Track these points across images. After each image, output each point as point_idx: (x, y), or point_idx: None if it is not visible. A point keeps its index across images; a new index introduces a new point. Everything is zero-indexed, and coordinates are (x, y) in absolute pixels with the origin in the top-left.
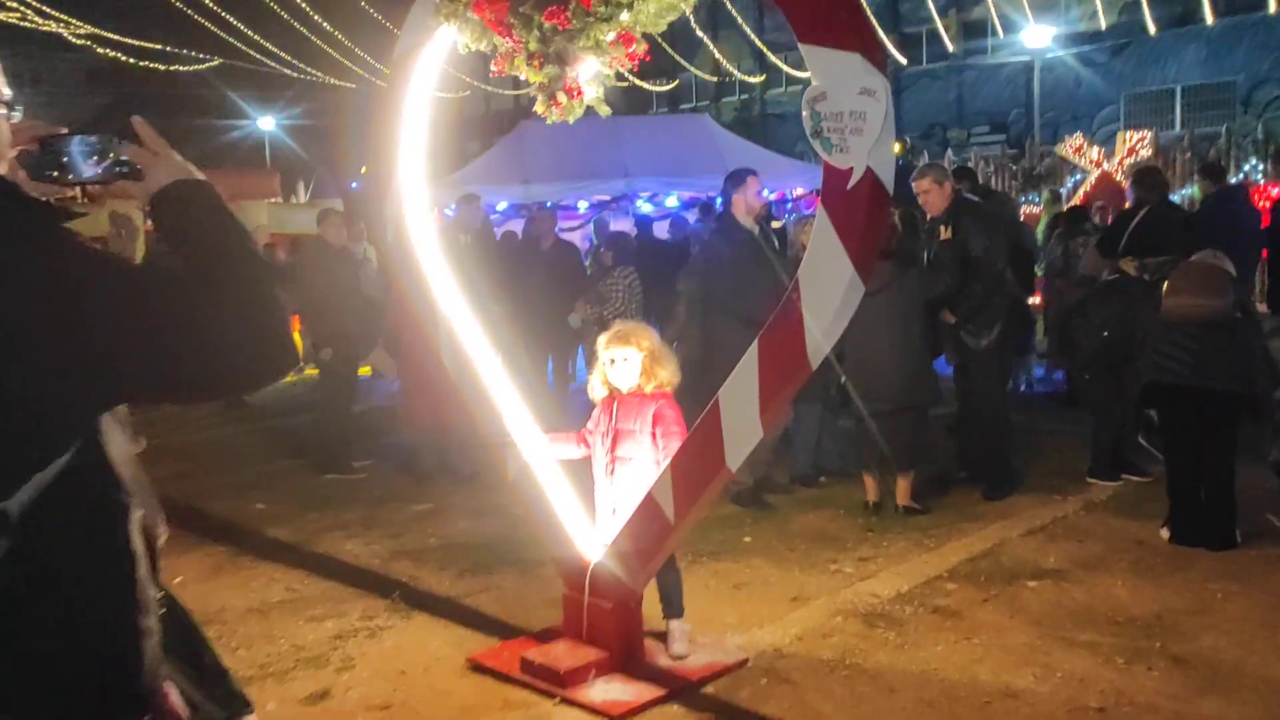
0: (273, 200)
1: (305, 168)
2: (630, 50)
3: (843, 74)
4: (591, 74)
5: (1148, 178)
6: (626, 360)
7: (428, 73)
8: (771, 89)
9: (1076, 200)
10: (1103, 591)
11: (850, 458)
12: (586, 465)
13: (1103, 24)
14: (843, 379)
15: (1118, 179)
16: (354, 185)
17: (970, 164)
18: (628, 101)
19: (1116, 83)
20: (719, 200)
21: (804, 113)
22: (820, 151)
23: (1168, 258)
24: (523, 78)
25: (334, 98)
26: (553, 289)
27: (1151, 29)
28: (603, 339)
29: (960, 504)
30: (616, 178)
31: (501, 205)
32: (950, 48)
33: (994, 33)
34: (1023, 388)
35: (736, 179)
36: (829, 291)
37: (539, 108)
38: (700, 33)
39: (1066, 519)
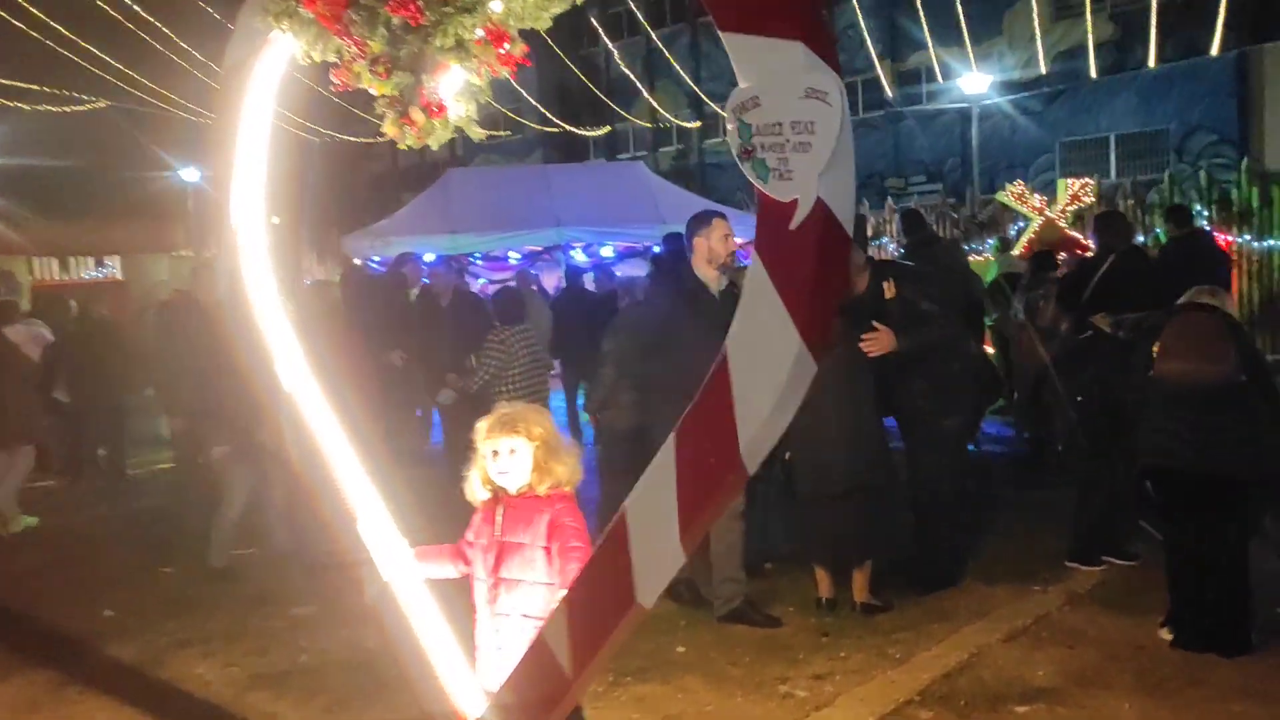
0: (179, 253)
1: None
2: (503, 51)
3: (780, 70)
4: (457, 85)
5: (1113, 223)
6: (513, 453)
7: (265, 91)
8: (709, 138)
9: (1020, 249)
10: (1109, 716)
11: (804, 544)
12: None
13: (1043, 69)
14: (785, 454)
15: (1062, 225)
16: None
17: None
18: (564, 151)
19: (1051, 131)
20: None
21: (729, 126)
22: (753, 178)
23: (1146, 313)
24: (372, 91)
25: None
26: (454, 352)
27: (1093, 73)
28: (481, 425)
29: (927, 597)
30: (547, 227)
31: (429, 257)
32: (889, 94)
33: (930, 79)
34: (971, 447)
35: (700, 220)
36: (768, 370)
37: (387, 128)
38: (637, 82)
39: (1051, 617)
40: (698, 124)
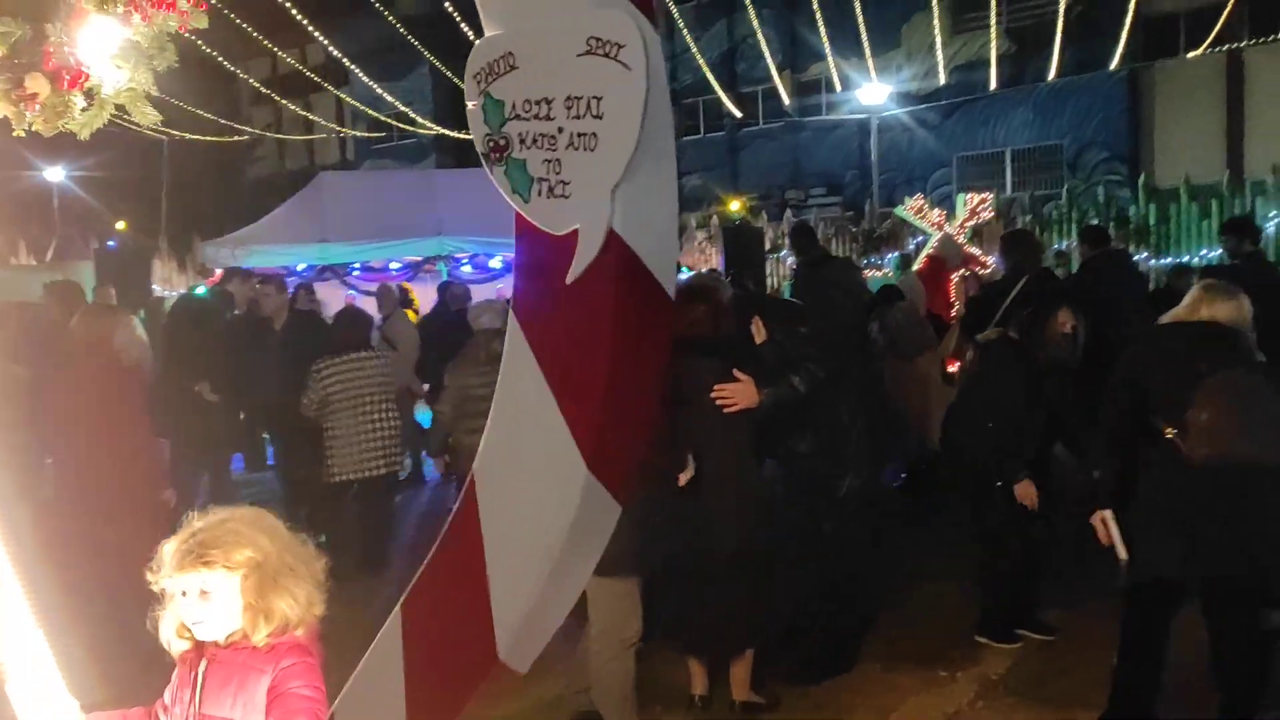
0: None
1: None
2: None
3: (551, 9)
4: (111, 43)
5: (1023, 243)
6: (204, 595)
7: None
8: None
9: (919, 264)
10: None
11: (671, 630)
12: None
13: (941, 81)
14: None
15: (961, 240)
16: (111, 245)
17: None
18: (458, 157)
19: (949, 144)
20: None
21: (468, 105)
22: (507, 194)
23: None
24: None
25: (139, 146)
26: (284, 385)
27: (993, 84)
28: (164, 551)
29: (816, 688)
30: (429, 236)
31: (300, 266)
32: (787, 102)
33: (830, 90)
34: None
35: None
36: (538, 516)
37: None
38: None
39: (961, 716)
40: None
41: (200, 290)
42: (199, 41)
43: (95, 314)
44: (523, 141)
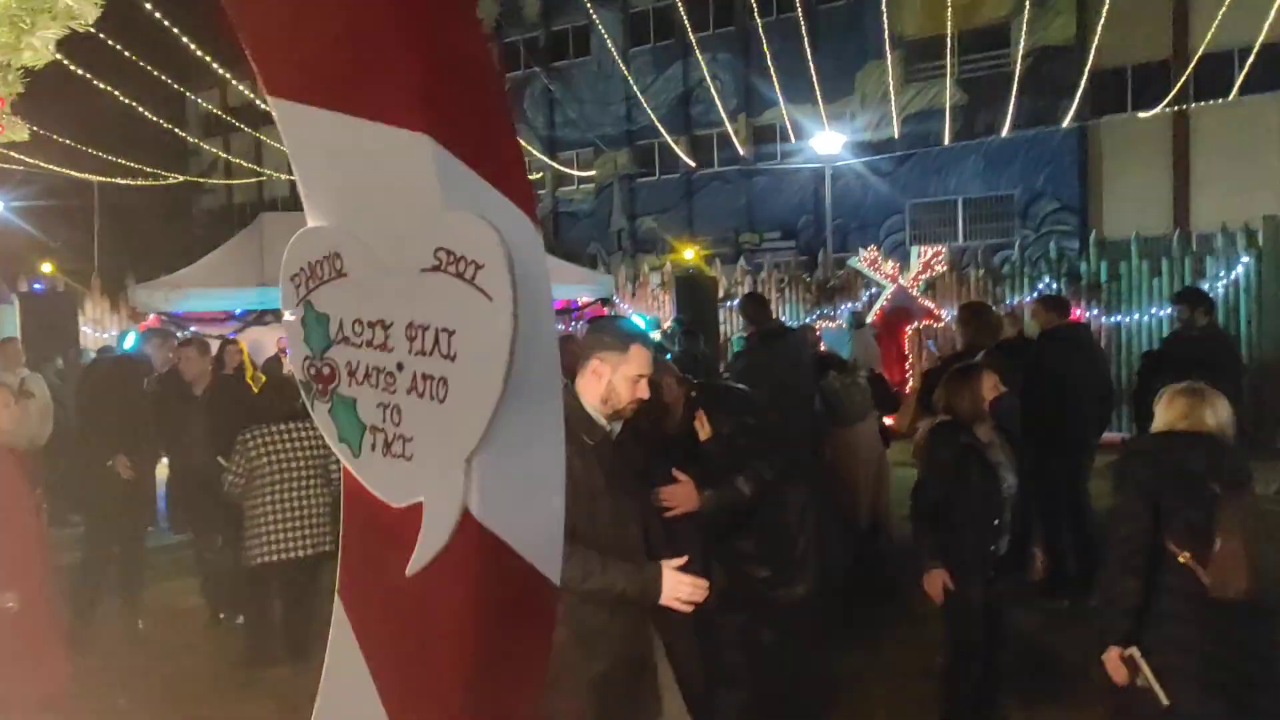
0: None
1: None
2: None
3: (387, 197)
4: None
5: (980, 317)
6: None
7: None
8: (564, 185)
9: (872, 316)
10: None
11: None
12: None
13: (895, 133)
14: None
15: (914, 293)
16: (37, 287)
17: (763, 275)
18: None
19: (902, 192)
20: None
21: (285, 315)
22: (333, 442)
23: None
24: None
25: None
26: (209, 455)
27: (947, 139)
28: None
29: None
30: None
31: (238, 310)
32: (741, 151)
33: (785, 138)
34: None
35: (612, 338)
36: None
37: None
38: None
39: None
40: (539, 174)
41: (129, 339)
42: (151, 69)
43: None
44: (352, 374)
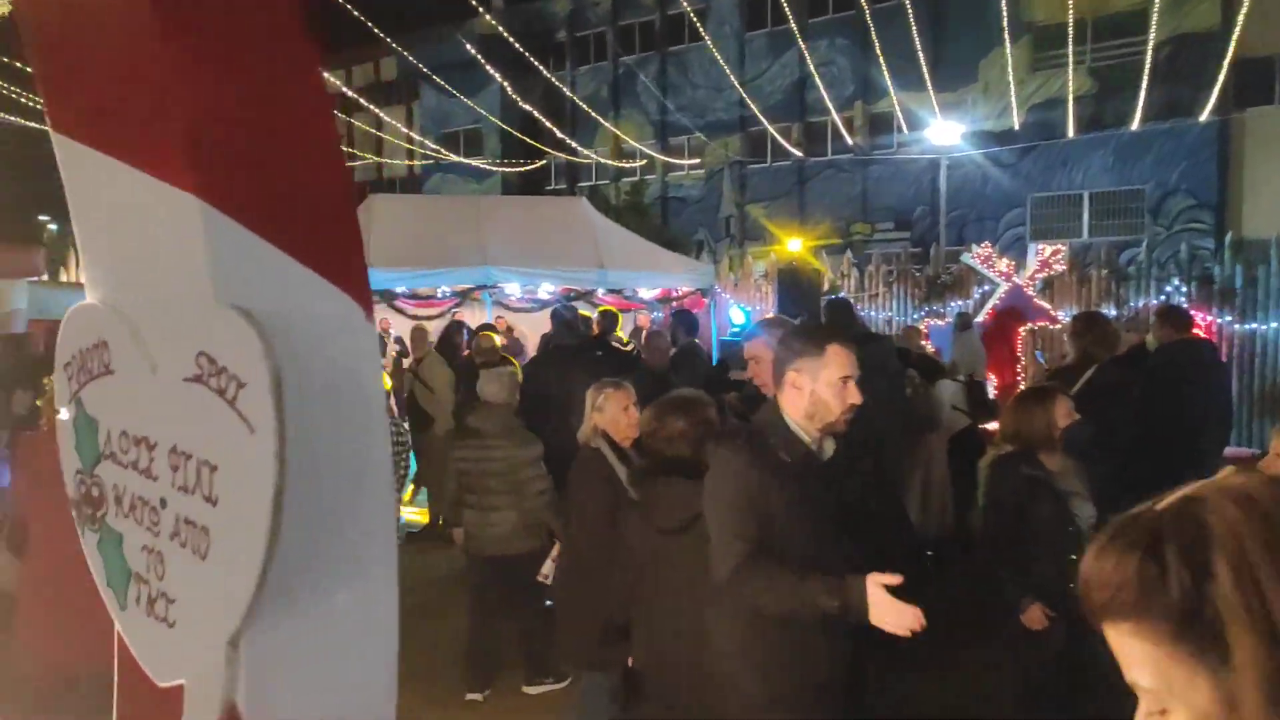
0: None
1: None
2: None
3: (159, 278)
4: None
5: (1096, 328)
6: None
7: None
8: (675, 170)
9: (986, 315)
10: None
11: None
12: None
13: (1016, 121)
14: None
15: (1030, 292)
16: None
17: (870, 268)
18: (524, 176)
19: (1024, 185)
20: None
21: (59, 413)
22: (105, 594)
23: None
24: None
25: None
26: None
27: (1071, 130)
28: None
29: None
30: (476, 264)
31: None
32: (850, 142)
33: (899, 128)
34: None
35: (804, 342)
36: None
37: None
38: (597, 115)
39: None
40: (642, 162)
41: None
42: None
43: None
44: (119, 502)
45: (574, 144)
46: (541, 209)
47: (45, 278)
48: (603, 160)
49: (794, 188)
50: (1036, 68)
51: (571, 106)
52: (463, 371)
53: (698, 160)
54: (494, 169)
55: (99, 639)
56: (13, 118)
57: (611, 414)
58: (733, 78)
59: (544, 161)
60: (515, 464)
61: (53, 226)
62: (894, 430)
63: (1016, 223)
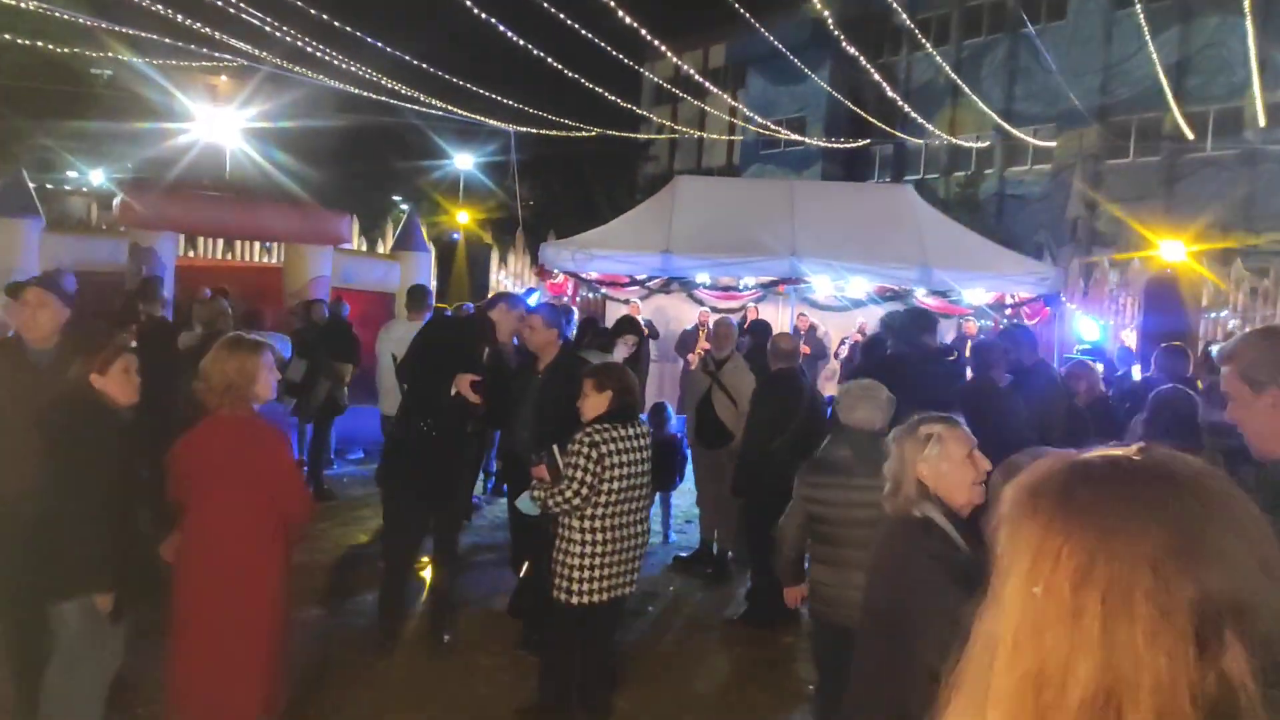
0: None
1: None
2: None
3: None
4: None
5: None
6: None
7: None
8: (1014, 164)
9: None
10: None
11: None
12: None
13: None
14: None
15: None
16: (454, 237)
17: (1268, 281)
18: (847, 166)
19: None
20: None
21: None
22: None
23: None
24: None
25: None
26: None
27: None
28: None
29: None
30: (782, 255)
31: (641, 276)
32: (1248, 132)
33: None
34: None
35: None
36: None
37: None
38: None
39: None
40: (984, 143)
41: (534, 297)
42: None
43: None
44: None
45: (916, 129)
46: (862, 197)
47: (351, 247)
48: (947, 137)
49: (1160, 187)
50: None
51: (905, 93)
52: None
53: (1051, 144)
54: (818, 144)
55: None
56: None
57: (949, 466)
58: (1110, 58)
59: (867, 141)
60: None
61: (404, 207)
62: None
63: None
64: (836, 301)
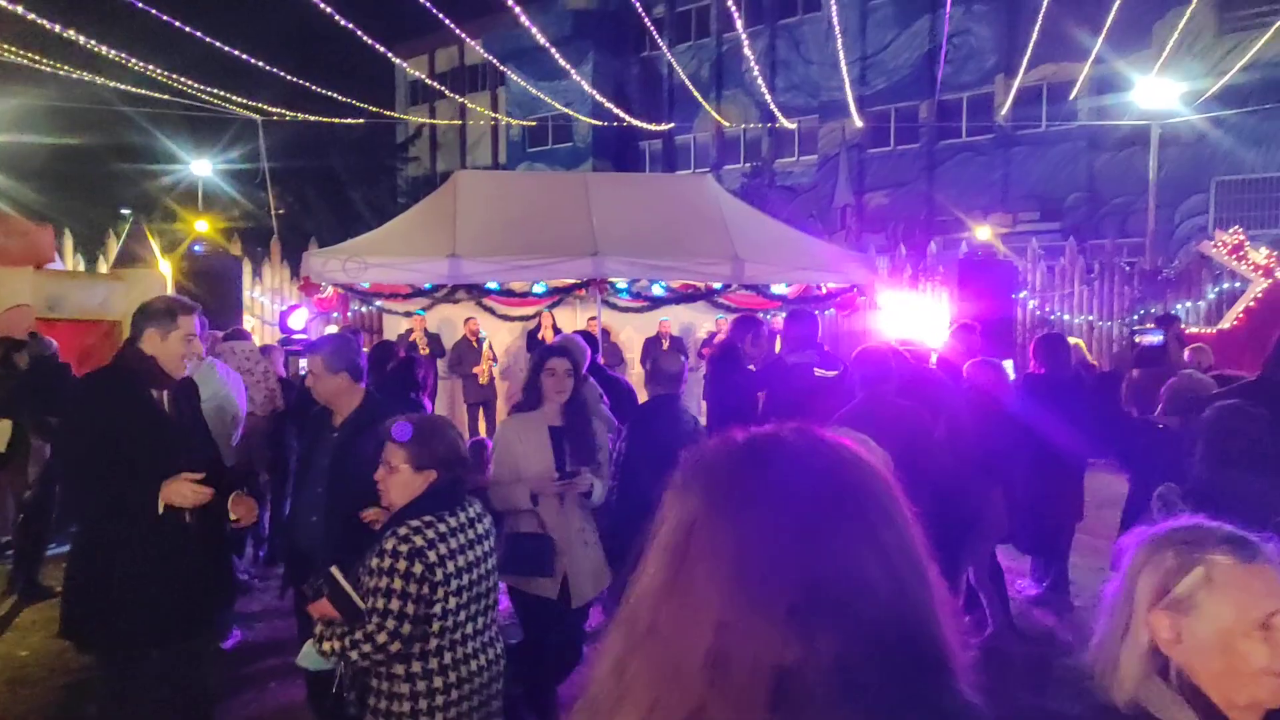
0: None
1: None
2: None
3: None
4: None
5: None
6: None
7: None
8: (782, 156)
9: (1234, 320)
10: None
11: None
12: None
13: (1216, 85)
14: None
15: None
16: (196, 249)
17: (1063, 261)
18: (617, 163)
19: (1206, 166)
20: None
21: None
22: None
23: None
24: None
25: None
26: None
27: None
28: None
29: None
30: (583, 255)
31: (426, 285)
32: (998, 118)
33: (1053, 100)
34: None
35: None
36: None
37: None
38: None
39: None
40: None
41: (299, 318)
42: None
43: None
44: None
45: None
46: (663, 188)
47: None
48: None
49: (921, 174)
50: (1223, 30)
51: (669, 88)
52: None
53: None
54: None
55: None
56: None
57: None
58: (865, 50)
59: (669, 125)
60: None
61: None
62: None
63: (1197, 210)
64: (635, 303)
